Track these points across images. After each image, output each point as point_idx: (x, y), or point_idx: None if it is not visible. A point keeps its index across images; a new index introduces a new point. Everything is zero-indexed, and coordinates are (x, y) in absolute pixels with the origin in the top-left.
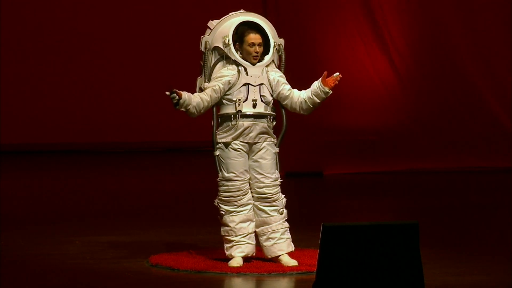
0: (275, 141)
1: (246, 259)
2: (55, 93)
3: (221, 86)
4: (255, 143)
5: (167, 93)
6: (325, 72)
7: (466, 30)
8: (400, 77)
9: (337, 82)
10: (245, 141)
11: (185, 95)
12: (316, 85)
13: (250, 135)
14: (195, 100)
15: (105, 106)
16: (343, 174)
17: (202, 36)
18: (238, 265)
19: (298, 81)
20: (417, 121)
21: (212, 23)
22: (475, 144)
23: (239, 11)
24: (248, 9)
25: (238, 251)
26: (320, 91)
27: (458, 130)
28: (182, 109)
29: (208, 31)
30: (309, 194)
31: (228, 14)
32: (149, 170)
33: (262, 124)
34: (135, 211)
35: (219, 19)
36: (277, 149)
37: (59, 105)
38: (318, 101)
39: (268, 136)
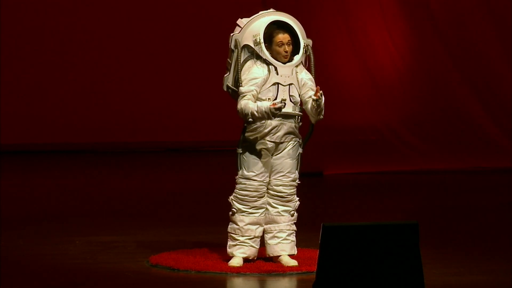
0: (301, 141)
1: (246, 260)
2: (55, 93)
3: (258, 89)
4: (281, 142)
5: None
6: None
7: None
8: (401, 77)
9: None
10: (272, 140)
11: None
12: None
13: (277, 134)
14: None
15: (106, 106)
16: (343, 174)
17: (231, 34)
18: (238, 265)
19: None
20: (417, 121)
21: (241, 21)
22: (475, 144)
23: (269, 10)
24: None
25: (240, 251)
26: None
27: (459, 130)
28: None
29: (237, 29)
30: (309, 194)
31: (259, 12)
32: (149, 170)
33: (289, 124)
34: (135, 211)
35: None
36: (301, 150)
37: (59, 105)
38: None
39: (294, 136)
